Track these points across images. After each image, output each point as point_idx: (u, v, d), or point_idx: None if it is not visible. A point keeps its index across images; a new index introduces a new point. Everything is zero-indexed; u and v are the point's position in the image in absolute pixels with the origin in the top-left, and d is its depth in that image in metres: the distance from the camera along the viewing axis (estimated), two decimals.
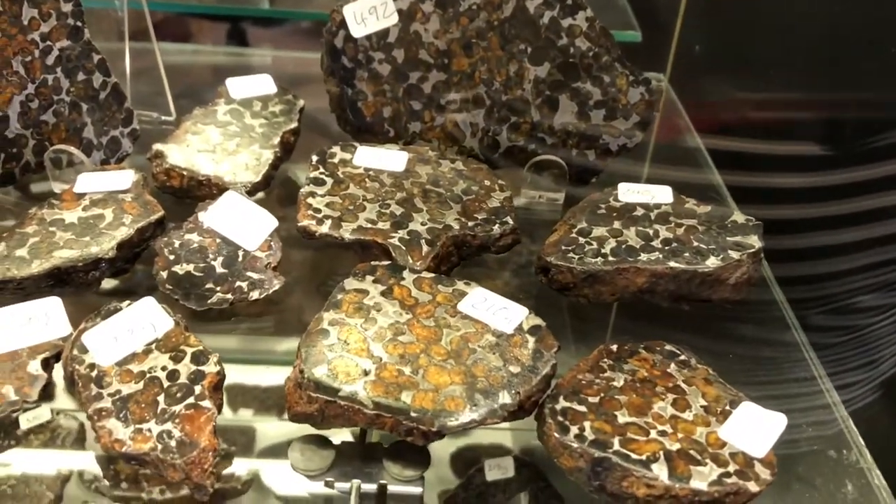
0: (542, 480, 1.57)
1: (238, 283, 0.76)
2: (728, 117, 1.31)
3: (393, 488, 0.62)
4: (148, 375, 0.62)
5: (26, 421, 1.21)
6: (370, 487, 0.62)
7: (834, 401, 0.75)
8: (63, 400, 0.76)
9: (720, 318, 0.81)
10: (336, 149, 0.87)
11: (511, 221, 0.80)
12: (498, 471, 1.53)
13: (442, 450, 0.77)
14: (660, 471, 0.57)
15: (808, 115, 1.25)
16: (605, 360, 0.67)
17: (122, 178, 0.83)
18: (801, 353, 0.81)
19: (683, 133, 1.20)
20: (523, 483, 1.54)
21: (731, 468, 0.57)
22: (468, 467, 1.37)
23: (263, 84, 1.00)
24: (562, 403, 0.62)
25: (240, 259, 0.78)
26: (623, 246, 0.77)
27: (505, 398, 0.62)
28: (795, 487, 0.64)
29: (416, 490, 0.63)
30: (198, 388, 0.61)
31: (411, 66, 0.91)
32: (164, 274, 0.76)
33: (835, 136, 1.21)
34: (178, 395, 0.60)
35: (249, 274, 0.77)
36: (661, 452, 0.58)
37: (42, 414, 1.37)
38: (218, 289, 0.75)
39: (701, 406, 0.62)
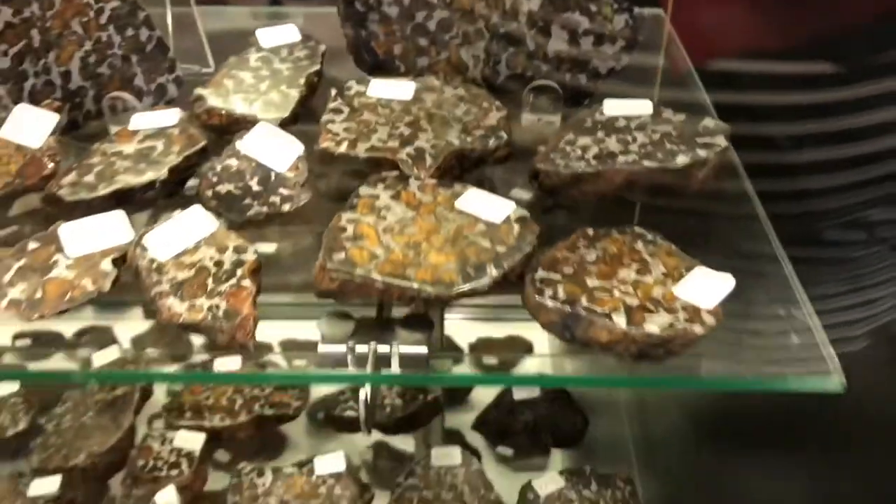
0: (566, 398, 1.70)
1: (272, 199, 0.88)
2: (726, 51, 1.39)
3: (403, 349, 0.75)
4: (198, 265, 0.75)
5: (98, 359, 1.40)
6: (384, 349, 0.75)
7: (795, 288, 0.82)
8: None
9: (700, 221, 0.91)
10: (352, 83, 0.98)
11: (505, 135, 0.92)
12: (525, 390, 1.67)
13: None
14: (619, 320, 0.68)
15: (812, 36, 1.30)
16: (582, 241, 0.78)
17: (170, 116, 0.96)
18: (778, 266, 0.89)
19: (682, 67, 1.28)
20: (548, 401, 1.67)
21: (681, 316, 0.68)
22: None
23: (289, 33, 1.13)
24: (540, 274, 0.74)
25: (272, 179, 0.90)
26: (604, 151, 0.88)
27: (492, 271, 0.73)
28: (744, 339, 0.74)
29: (422, 350, 0.75)
30: (239, 272, 0.74)
31: (417, 7, 1.03)
32: (209, 193, 0.89)
33: (835, 55, 1.26)
34: (224, 277, 0.73)
35: (281, 190, 0.89)
36: (622, 306, 0.69)
37: (111, 353, 1.55)
38: (255, 203, 0.88)
39: (661, 272, 0.73)
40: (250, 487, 1.34)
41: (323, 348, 0.73)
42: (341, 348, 0.73)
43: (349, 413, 1.50)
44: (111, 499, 1.33)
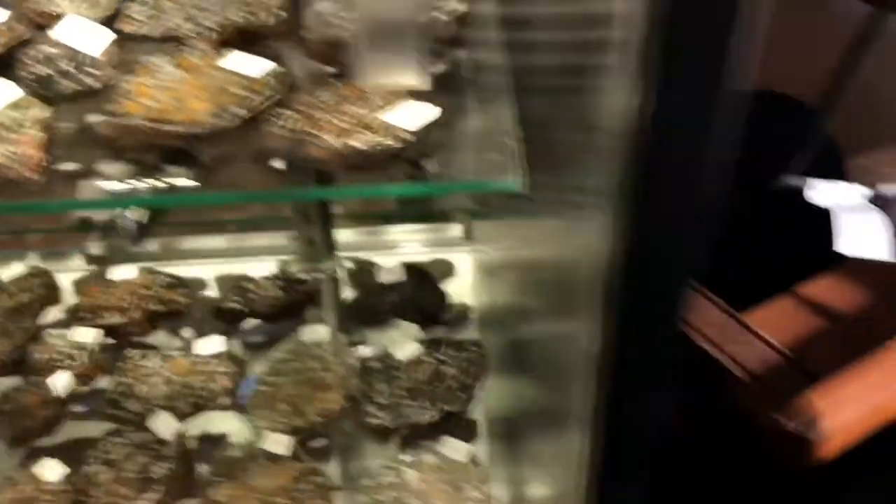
0: (429, 280, 1.88)
1: (83, 78, 1.03)
2: None
3: (170, 180, 0.90)
4: None
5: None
6: (158, 184, 0.90)
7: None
8: None
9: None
10: None
11: (284, 14, 1.06)
12: (392, 274, 1.85)
13: None
14: (332, 140, 0.84)
15: None
16: (325, 89, 0.93)
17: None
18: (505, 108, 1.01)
19: None
20: (412, 283, 1.84)
21: (384, 136, 0.84)
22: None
23: None
24: (278, 112, 0.89)
25: (86, 62, 1.04)
26: None
27: (240, 112, 0.89)
28: (453, 157, 0.90)
29: (189, 183, 0.90)
30: (28, 124, 0.89)
31: None
32: (25, 74, 1.03)
33: None
34: (18, 129, 0.88)
35: (92, 71, 1.04)
36: (339, 132, 0.85)
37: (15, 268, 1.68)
38: (65, 81, 1.02)
39: (378, 105, 0.89)
40: (135, 369, 1.50)
41: (104, 184, 0.88)
42: (119, 185, 0.89)
43: (233, 305, 1.66)
44: (12, 388, 1.49)
